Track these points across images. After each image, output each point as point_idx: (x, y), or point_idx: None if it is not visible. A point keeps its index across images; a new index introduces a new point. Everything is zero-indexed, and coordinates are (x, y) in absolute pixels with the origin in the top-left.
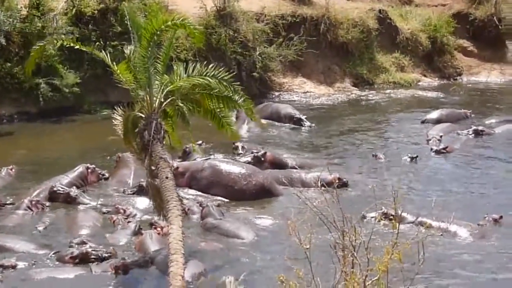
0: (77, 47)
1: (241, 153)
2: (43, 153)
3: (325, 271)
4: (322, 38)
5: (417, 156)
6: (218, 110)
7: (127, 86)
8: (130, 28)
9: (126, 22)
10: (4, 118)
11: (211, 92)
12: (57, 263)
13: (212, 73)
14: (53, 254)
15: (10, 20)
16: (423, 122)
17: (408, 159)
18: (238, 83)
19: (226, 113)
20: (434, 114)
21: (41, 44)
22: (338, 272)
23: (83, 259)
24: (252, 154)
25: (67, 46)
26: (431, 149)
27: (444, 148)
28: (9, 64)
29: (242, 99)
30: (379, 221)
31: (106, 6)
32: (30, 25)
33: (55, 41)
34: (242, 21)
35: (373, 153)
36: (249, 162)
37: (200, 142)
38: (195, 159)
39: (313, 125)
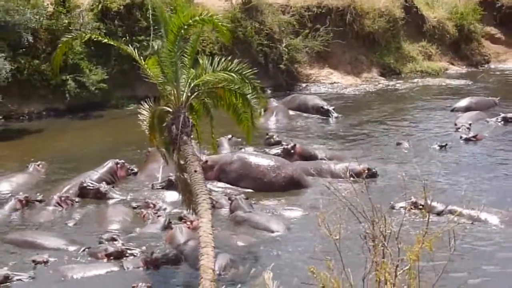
0: (104, 41)
1: (278, 140)
2: (72, 149)
3: (356, 261)
4: (349, 29)
5: (446, 145)
6: (240, 105)
7: (155, 81)
8: (151, 22)
9: (154, 16)
10: (33, 115)
11: (232, 88)
12: (89, 258)
13: (236, 68)
14: (84, 250)
15: (37, 17)
16: (452, 110)
17: (438, 148)
18: (259, 81)
19: (246, 109)
20: (463, 102)
21: (69, 36)
22: (369, 262)
23: (117, 257)
24: (282, 147)
25: (94, 42)
26: (461, 137)
27: (474, 136)
28: (37, 61)
29: (256, 101)
30: (408, 210)
31: (132, 1)
32: (56, 22)
33: (83, 35)
34: (267, 13)
35: (397, 141)
36: (278, 155)
37: (230, 136)
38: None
39: (341, 116)
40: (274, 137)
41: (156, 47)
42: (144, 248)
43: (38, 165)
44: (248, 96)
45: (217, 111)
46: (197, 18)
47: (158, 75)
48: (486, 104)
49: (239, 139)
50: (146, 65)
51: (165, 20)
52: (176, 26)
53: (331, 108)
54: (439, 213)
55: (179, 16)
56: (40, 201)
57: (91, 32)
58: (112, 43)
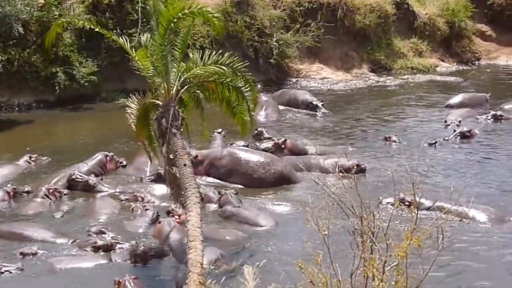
0: (97, 30)
1: (268, 137)
2: (61, 141)
3: (344, 257)
4: (340, 24)
5: (436, 142)
6: (233, 99)
7: (145, 73)
8: (140, 16)
9: (143, 9)
10: (22, 107)
11: (224, 81)
12: (77, 251)
13: (227, 61)
14: (72, 242)
15: (28, 8)
16: (446, 106)
17: (427, 145)
18: (250, 73)
19: (240, 102)
20: (456, 99)
21: (63, 20)
22: (357, 257)
23: (105, 250)
24: (273, 141)
25: (85, 34)
26: (454, 131)
27: (468, 131)
28: (27, 52)
29: (250, 93)
30: (396, 207)
31: None
32: (47, 13)
33: (76, 20)
34: (258, 8)
35: (386, 135)
36: (269, 149)
37: (220, 130)
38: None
39: (328, 112)
40: (264, 132)
41: (144, 40)
42: (132, 241)
43: (30, 158)
44: (242, 88)
45: (208, 105)
46: (186, 11)
47: (149, 68)
48: (478, 100)
49: (230, 133)
50: (136, 58)
51: (158, 12)
52: (165, 19)
53: (319, 104)
54: (427, 209)
55: (169, 9)
56: (28, 193)
57: (84, 20)
58: (104, 33)
